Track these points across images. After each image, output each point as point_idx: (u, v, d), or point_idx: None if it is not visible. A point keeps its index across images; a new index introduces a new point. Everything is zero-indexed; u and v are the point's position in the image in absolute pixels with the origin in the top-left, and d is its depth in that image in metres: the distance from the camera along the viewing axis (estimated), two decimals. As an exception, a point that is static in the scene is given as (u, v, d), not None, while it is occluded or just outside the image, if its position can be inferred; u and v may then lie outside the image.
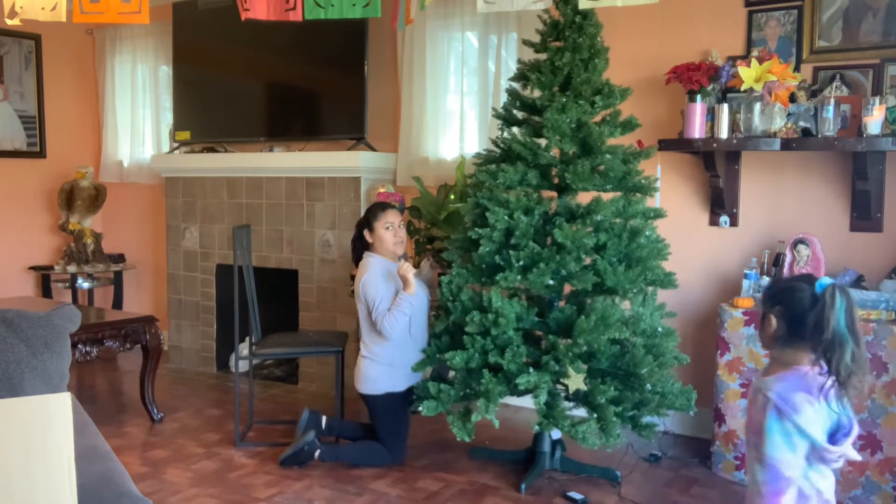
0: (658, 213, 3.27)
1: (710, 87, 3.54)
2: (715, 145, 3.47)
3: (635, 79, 3.76)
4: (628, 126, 3.29)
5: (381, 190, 4.36)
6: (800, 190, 3.63)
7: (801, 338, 1.80)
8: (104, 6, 3.22)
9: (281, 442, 3.70)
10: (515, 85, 3.55)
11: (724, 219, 3.79)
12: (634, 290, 3.14)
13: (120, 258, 5.92)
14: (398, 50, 4.66)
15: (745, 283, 3.48)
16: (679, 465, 3.55)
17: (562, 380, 3.07)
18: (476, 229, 3.24)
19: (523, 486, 3.23)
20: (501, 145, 3.45)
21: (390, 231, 3.51)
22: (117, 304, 5.86)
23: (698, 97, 3.50)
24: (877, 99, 3.17)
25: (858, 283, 3.30)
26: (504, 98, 3.59)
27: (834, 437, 1.78)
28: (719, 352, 3.38)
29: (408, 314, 3.37)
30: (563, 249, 3.10)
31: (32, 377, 2.04)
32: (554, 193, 3.36)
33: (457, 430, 3.18)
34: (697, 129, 3.49)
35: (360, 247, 3.60)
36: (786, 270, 3.40)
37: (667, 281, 3.23)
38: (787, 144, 3.33)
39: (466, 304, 3.27)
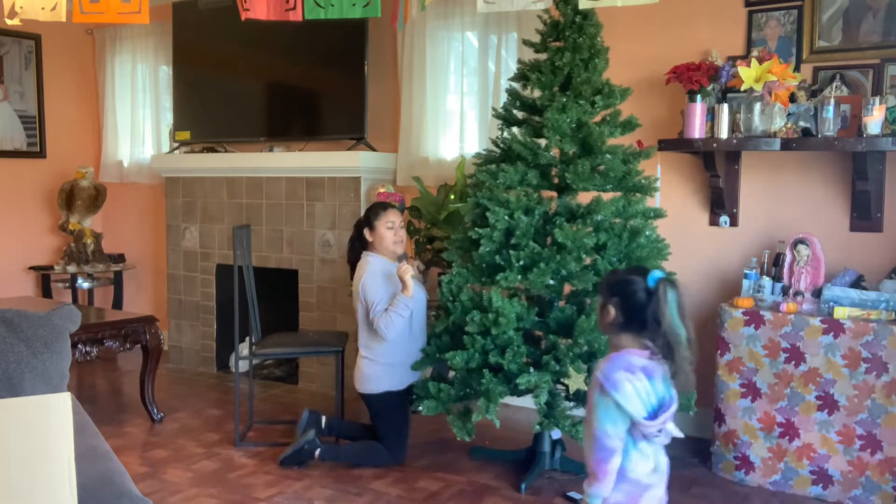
0: (658, 213, 3.27)
1: (710, 87, 3.54)
2: (715, 145, 3.47)
3: (635, 79, 3.76)
4: (628, 126, 3.29)
5: (381, 190, 4.36)
6: (800, 190, 3.63)
7: (637, 327, 1.98)
8: (104, 6, 3.22)
9: (281, 442, 3.70)
10: (515, 85, 3.55)
11: (724, 219, 3.79)
12: (634, 290, 3.13)
13: (120, 258, 5.92)
14: (398, 50, 4.66)
15: (745, 283, 3.48)
16: (679, 465, 3.54)
17: (562, 380, 3.08)
18: (476, 229, 3.25)
19: (523, 486, 3.23)
20: (501, 145, 3.45)
21: (391, 230, 3.51)
22: (117, 304, 5.86)
23: (698, 97, 3.50)
24: (877, 99, 3.17)
25: (858, 283, 3.30)
26: (504, 98, 3.59)
27: (655, 412, 1.93)
28: (719, 352, 3.38)
29: (405, 316, 3.36)
30: (563, 249, 3.10)
31: (32, 377, 2.04)
32: (554, 193, 3.36)
33: (457, 429, 3.18)
34: (697, 129, 3.49)
35: (359, 246, 3.60)
36: (786, 270, 3.40)
37: (667, 281, 3.22)
38: (787, 144, 3.33)
39: (466, 304, 3.27)
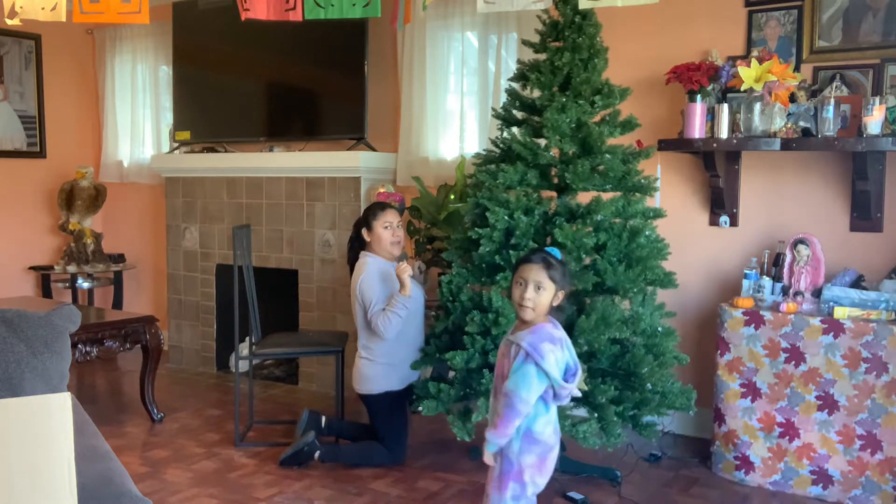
0: (658, 213, 3.27)
1: (710, 87, 3.54)
2: (715, 145, 3.47)
3: (635, 79, 3.76)
4: (628, 126, 3.29)
5: (381, 190, 4.36)
6: (800, 190, 3.63)
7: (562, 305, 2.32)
8: (104, 6, 3.22)
9: (281, 442, 3.70)
10: (515, 85, 3.55)
11: (724, 219, 3.79)
12: (634, 290, 3.14)
13: (120, 258, 5.92)
14: (398, 50, 4.66)
15: (745, 283, 3.48)
16: (679, 465, 3.55)
17: (562, 380, 3.07)
18: (476, 229, 3.25)
19: (523, 486, 3.23)
20: (501, 145, 3.45)
21: (389, 230, 3.51)
22: (117, 304, 5.86)
23: (698, 97, 3.50)
24: (877, 99, 3.17)
25: (858, 283, 3.30)
26: (504, 98, 3.59)
27: (565, 376, 2.24)
28: (719, 352, 3.38)
29: (402, 316, 3.36)
30: (563, 249, 3.10)
31: (32, 377, 2.04)
32: (554, 193, 3.36)
33: (457, 430, 3.18)
34: (697, 129, 3.49)
35: (357, 246, 3.60)
36: (786, 270, 3.40)
37: (667, 281, 3.23)
38: (787, 144, 3.33)
39: (466, 304, 3.27)
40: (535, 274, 2.28)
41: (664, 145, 3.60)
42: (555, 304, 2.30)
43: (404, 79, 4.61)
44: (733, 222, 3.78)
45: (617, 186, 3.26)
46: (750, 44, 3.67)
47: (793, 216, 3.64)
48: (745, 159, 3.73)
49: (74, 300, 5.66)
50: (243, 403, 4.06)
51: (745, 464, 3.31)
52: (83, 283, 5.70)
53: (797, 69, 3.56)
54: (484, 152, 3.56)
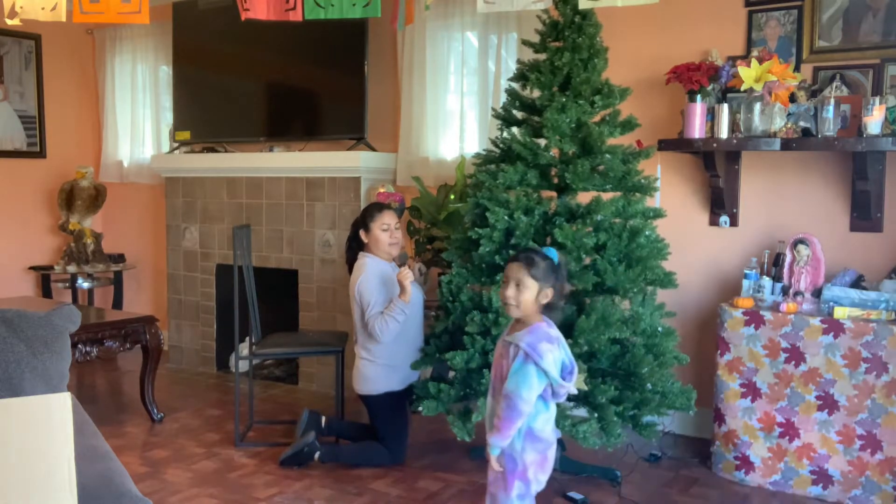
0: (658, 213, 3.27)
1: (710, 87, 3.54)
2: (715, 145, 3.47)
3: (635, 79, 3.76)
4: (628, 126, 3.29)
5: (381, 190, 4.36)
6: (800, 190, 3.63)
7: (555, 302, 2.30)
8: (104, 6, 3.22)
9: (281, 442, 3.70)
10: (515, 85, 3.55)
11: (724, 219, 3.79)
12: (634, 290, 3.14)
13: (120, 258, 5.92)
14: (398, 50, 4.66)
15: (745, 283, 3.48)
16: (679, 465, 3.55)
17: (562, 380, 3.07)
18: (476, 229, 3.25)
19: (523, 486, 3.23)
20: (501, 145, 3.45)
21: (386, 232, 3.49)
22: (117, 304, 5.86)
23: (698, 97, 3.50)
24: (877, 99, 3.17)
25: (858, 283, 3.30)
26: (504, 98, 3.59)
27: (563, 374, 2.26)
28: (719, 352, 3.38)
29: (400, 321, 3.34)
30: (563, 249, 3.10)
31: (32, 377, 2.04)
32: (554, 193, 3.36)
33: (457, 429, 3.18)
34: (697, 129, 3.49)
35: (356, 247, 3.59)
36: (786, 270, 3.40)
37: (667, 281, 3.23)
38: (787, 144, 3.33)
39: (466, 304, 3.27)
40: (516, 272, 2.30)
41: (664, 145, 3.60)
42: (542, 301, 2.30)
43: (404, 79, 4.61)
44: (733, 222, 3.78)
45: (617, 186, 3.26)
46: (750, 44, 3.67)
47: (793, 216, 3.64)
48: (745, 159, 3.73)
49: (74, 300, 5.66)
50: (243, 403, 4.06)
51: (745, 464, 3.31)
52: (83, 283, 5.70)
53: (797, 69, 3.56)
54: (484, 152, 3.56)
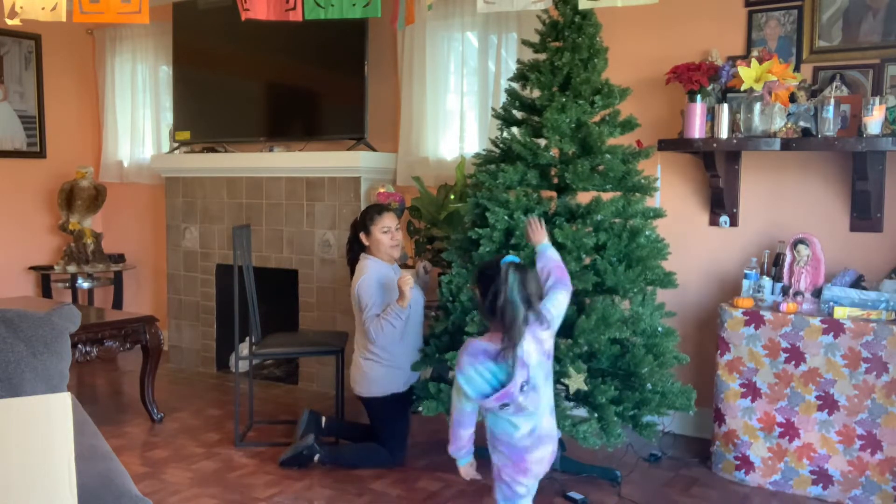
0: (658, 213, 3.27)
1: (710, 87, 3.54)
2: (715, 145, 3.47)
3: (635, 79, 3.76)
4: (628, 126, 3.29)
5: (381, 190, 4.36)
6: (800, 190, 3.63)
7: (488, 309, 2.18)
8: (104, 6, 3.22)
9: (281, 442, 3.70)
10: (515, 85, 3.55)
11: (724, 219, 3.79)
12: (634, 290, 3.14)
13: (120, 258, 5.92)
14: (398, 50, 4.66)
15: (745, 283, 3.48)
16: (679, 465, 3.55)
17: (562, 380, 3.07)
18: (476, 229, 3.25)
19: (523, 486, 3.23)
20: (501, 145, 3.45)
21: (387, 235, 3.48)
22: (117, 304, 5.86)
23: (698, 97, 3.50)
24: (877, 99, 3.17)
25: (858, 283, 3.30)
26: (504, 98, 3.59)
27: (494, 389, 2.17)
28: (719, 352, 3.38)
29: (396, 326, 3.32)
30: (563, 249, 3.10)
31: (32, 377, 2.04)
32: (554, 193, 3.36)
33: (457, 430, 3.17)
34: (697, 129, 3.49)
35: (357, 249, 3.58)
36: (786, 270, 3.40)
37: (667, 281, 3.23)
38: (787, 144, 3.33)
39: (466, 304, 3.27)
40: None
41: (664, 145, 3.60)
42: (480, 305, 2.24)
43: (404, 79, 4.61)
44: (733, 222, 3.78)
45: (617, 186, 3.26)
46: (750, 44, 3.67)
47: (793, 216, 3.64)
48: (745, 159, 3.73)
49: (74, 300, 5.65)
50: (243, 403, 4.06)
51: (745, 464, 3.31)
52: (83, 283, 5.70)
53: (797, 69, 3.56)
54: (484, 152, 3.56)
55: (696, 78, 3.46)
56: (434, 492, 3.24)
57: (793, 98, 3.41)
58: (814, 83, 3.53)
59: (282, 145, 4.97)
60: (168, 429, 4.01)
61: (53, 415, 1.50)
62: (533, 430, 2.26)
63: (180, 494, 3.19)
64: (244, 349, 4.57)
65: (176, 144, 5.36)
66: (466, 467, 2.37)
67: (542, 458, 2.30)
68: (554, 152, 3.28)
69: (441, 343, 3.42)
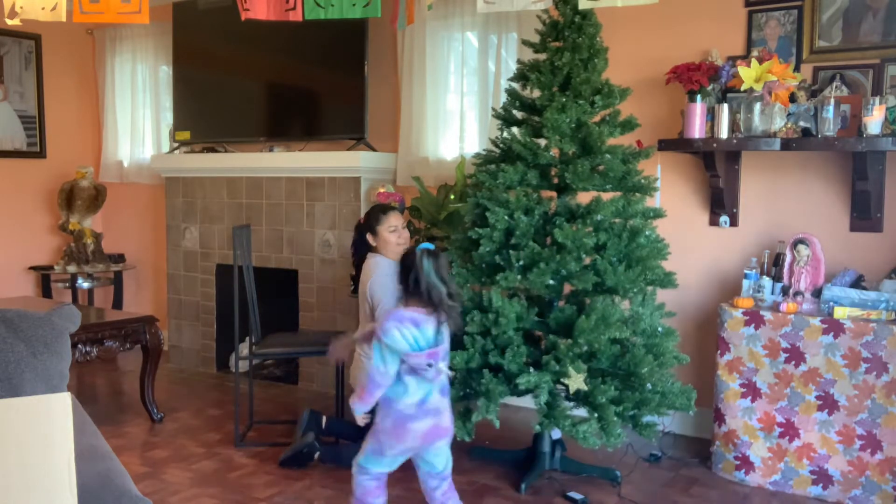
0: (658, 213, 3.27)
1: (710, 87, 3.54)
2: (715, 145, 3.47)
3: (635, 79, 3.76)
4: (628, 126, 3.29)
5: (381, 190, 4.36)
6: (800, 190, 3.63)
7: (411, 290, 2.53)
8: (104, 6, 3.21)
9: (281, 442, 3.70)
10: (515, 85, 3.55)
11: (724, 219, 3.79)
12: (634, 290, 3.14)
13: (120, 258, 5.92)
14: (398, 50, 4.66)
15: (745, 283, 3.48)
16: (679, 465, 3.55)
17: (562, 380, 3.08)
18: (476, 229, 3.25)
19: (523, 486, 3.23)
20: (501, 145, 3.45)
21: (395, 233, 3.49)
22: (117, 304, 5.86)
23: (698, 97, 3.50)
24: (877, 99, 3.17)
25: (858, 283, 3.30)
26: (504, 98, 3.59)
27: (415, 350, 2.46)
28: (719, 352, 3.38)
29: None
30: (563, 249, 3.10)
31: (32, 377, 2.04)
32: (554, 193, 3.36)
33: (457, 429, 3.17)
34: (697, 129, 3.49)
35: (364, 249, 3.57)
36: (786, 270, 3.40)
37: (667, 281, 3.23)
38: (787, 144, 3.33)
39: (466, 304, 3.27)
40: None
41: (664, 145, 3.60)
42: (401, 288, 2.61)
43: (404, 79, 4.61)
44: (733, 222, 3.78)
45: (617, 186, 3.26)
46: (750, 44, 3.67)
47: (793, 216, 3.64)
48: (745, 159, 3.73)
49: (74, 300, 5.66)
50: (243, 403, 4.06)
51: (745, 464, 3.31)
52: (83, 283, 5.70)
53: (797, 69, 3.56)
54: (484, 152, 3.56)
55: (696, 78, 3.46)
56: (434, 492, 3.24)
57: (793, 98, 3.41)
58: (814, 83, 3.53)
59: (282, 145, 4.97)
60: (168, 429, 4.01)
61: (53, 415, 1.50)
62: (423, 400, 2.52)
63: (180, 494, 3.19)
64: (244, 349, 4.57)
65: (176, 144, 5.36)
66: (363, 416, 2.63)
67: (422, 430, 2.53)
68: (554, 152, 3.28)
69: (441, 343, 3.42)
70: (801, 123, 3.36)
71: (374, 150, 4.65)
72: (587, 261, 3.15)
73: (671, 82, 3.60)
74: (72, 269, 5.61)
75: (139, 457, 3.60)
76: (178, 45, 5.28)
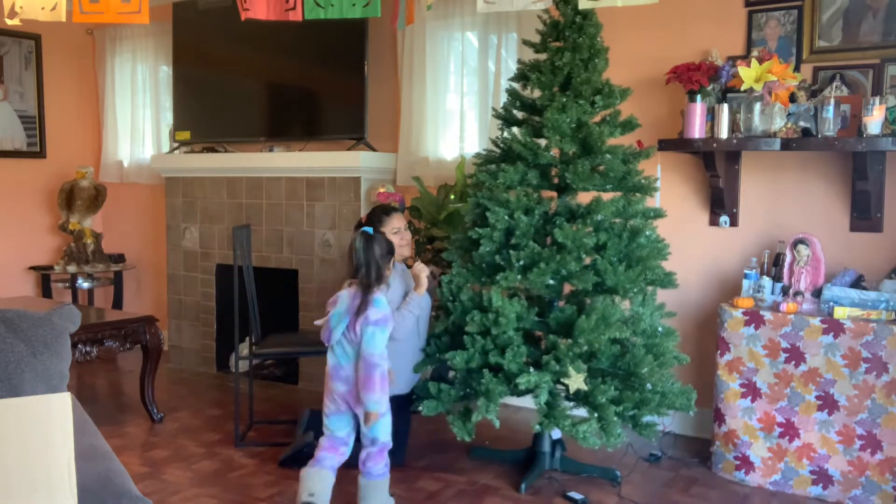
0: (658, 213, 3.27)
1: (710, 87, 3.54)
2: (715, 145, 3.47)
3: (635, 79, 3.76)
4: (628, 126, 3.29)
5: (381, 190, 4.36)
6: (800, 190, 3.63)
7: (352, 269, 2.87)
8: (104, 6, 3.21)
9: (281, 442, 3.70)
10: (515, 85, 3.55)
11: (724, 219, 3.79)
12: (634, 290, 3.14)
13: (120, 258, 5.92)
14: (398, 50, 4.66)
15: (745, 283, 3.48)
16: (679, 465, 3.55)
17: (562, 379, 3.08)
18: (476, 229, 3.25)
19: (523, 486, 3.23)
20: (501, 145, 3.45)
21: (397, 235, 3.49)
22: (117, 304, 5.86)
23: (698, 97, 3.50)
24: (877, 99, 3.17)
25: (858, 283, 3.30)
26: (504, 98, 3.59)
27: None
28: (719, 352, 3.38)
29: (416, 314, 3.35)
30: (563, 249, 3.10)
31: (32, 377, 2.04)
32: (554, 193, 3.36)
33: (457, 429, 3.18)
34: (697, 129, 3.49)
35: None
36: (786, 270, 3.40)
37: (667, 281, 3.23)
38: (787, 144, 3.33)
39: (467, 303, 3.27)
40: None
41: (664, 145, 3.60)
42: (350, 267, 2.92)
43: (404, 79, 4.61)
44: (733, 222, 3.78)
45: (617, 186, 3.26)
46: (750, 44, 3.67)
47: (793, 216, 3.64)
48: (745, 159, 3.73)
49: (74, 300, 5.66)
50: (243, 403, 4.06)
51: (745, 464, 3.31)
52: (83, 283, 5.70)
53: (797, 69, 3.56)
54: (484, 152, 3.56)
55: (696, 78, 3.46)
56: (434, 492, 3.24)
57: (793, 98, 3.41)
58: (814, 83, 3.53)
59: (282, 145, 4.97)
60: (168, 429, 4.01)
61: (53, 415, 1.50)
62: (335, 365, 2.94)
63: (180, 494, 3.19)
64: (244, 349, 4.56)
65: (176, 144, 5.36)
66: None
67: (337, 390, 2.95)
68: (554, 152, 3.28)
69: (441, 343, 3.43)
70: (801, 123, 3.36)
71: (374, 150, 4.65)
72: (587, 261, 3.15)
73: (671, 82, 3.60)
74: (72, 269, 5.61)
75: (139, 457, 3.60)
76: (178, 45, 5.28)
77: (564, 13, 3.30)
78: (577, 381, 3.03)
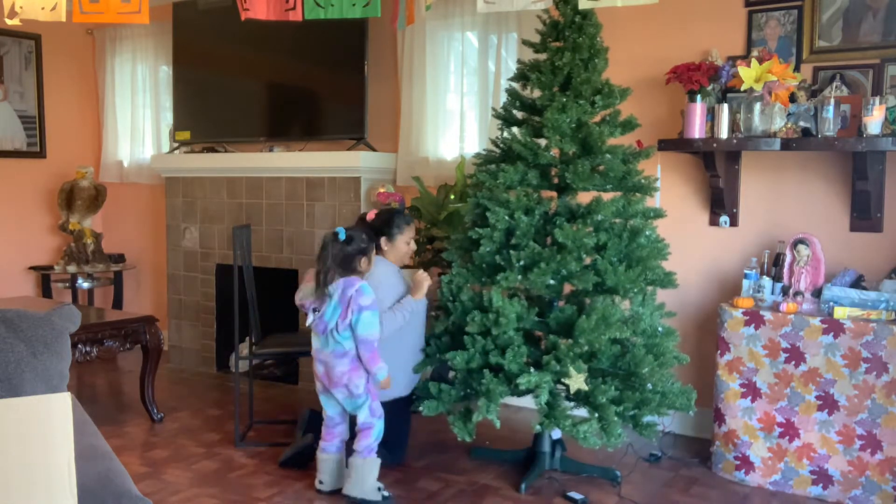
0: (658, 213, 3.27)
1: (710, 87, 3.54)
2: (715, 145, 3.47)
3: (635, 79, 3.76)
4: (628, 126, 3.29)
5: (381, 190, 4.36)
6: (800, 190, 3.63)
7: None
8: (104, 6, 3.21)
9: (281, 442, 3.70)
10: (515, 85, 3.55)
11: (724, 219, 3.79)
12: (634, 290, 3.14)
13: (120, 258, 5.92)
14: (398, 50, 4.66)
15: (745, 283, 3.48)
16: (679, 465, 3.55)
17: (563, 380, 3.08)
18: (476, 229, 3.25)
19: (523, 486, 3.23)
20: (501, 145, 3.45)
21: (409, 245, 3.50)
22: (117, 304, 5.86)
23: (698, 97, 3.50)
24: (877, 99, 3.17)
25: (858, 283, 3.30)
26: (504, 98, 3.59)
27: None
28: (719, 352, 3.38)
29: (408, 318, 3.33)
30: (563, 249, 3.10)
31: (32, 377, 2.04)
32: (554, 193, 3.36)
33: (458, 430, 3.18)
34: (697, 129, 3.49)
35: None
36: (786, 270, 3.40)
37: (667, 281, 3.23)
38: (787, 144, 3.33)
39: (467, 304, 3.27)
40: None
41: (664, 145, 3.60)
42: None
43: (404, 79, 4.61)
44: (733, 222, 3.78)
45: (617, 186, 3.26)
46: (750, 44, 3.67)
47: (793, 216, 3.64)
48: (745, 159, 3.73)
49: (74, 300, 5.66)
50: (243, 403, 4.06)
51: (745, 464, 3.31)
52: (83, 283, 5.70)
53: (797, 69, 3.56)
54: (484, 152, 3.56)
55: (696, 78, 3.46)
56: (434, 492, 3.24)
57: (793, 98, 3.41)
58: (814, 83, 3.53)
59: (282, 145, 4.97)
60: (168, 429, 4.01)
61: (53, 415, 1.50)
62: (317, 349, 3.13)
63: (180, 494, 3.19)
64: (244, 349, 4.56)
65: (176, 144, 5.36)
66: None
67: (318, 371, 3.15)
68: (554, 152, 3.28)
69: (441, 343, 3.42)
70: (801, 123, 3.36)
71: (374, 150, 4.65)
72: (587, 261, 3.15)
73: (671, 82, 3.60)
74: (72, 269, 5.61)
75: (139, 457, 3.60)
76: (178, 45, 5.28)
77: (564, 13, 3.30)
78: (577, 381, 3.03)
